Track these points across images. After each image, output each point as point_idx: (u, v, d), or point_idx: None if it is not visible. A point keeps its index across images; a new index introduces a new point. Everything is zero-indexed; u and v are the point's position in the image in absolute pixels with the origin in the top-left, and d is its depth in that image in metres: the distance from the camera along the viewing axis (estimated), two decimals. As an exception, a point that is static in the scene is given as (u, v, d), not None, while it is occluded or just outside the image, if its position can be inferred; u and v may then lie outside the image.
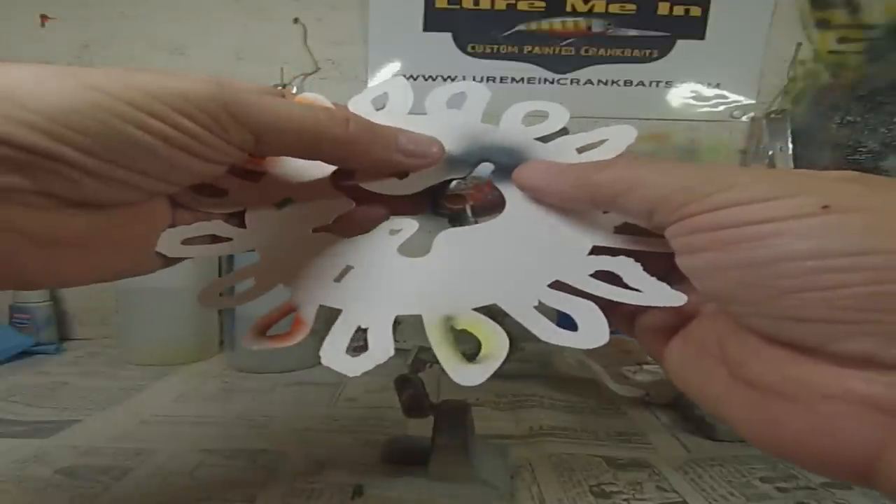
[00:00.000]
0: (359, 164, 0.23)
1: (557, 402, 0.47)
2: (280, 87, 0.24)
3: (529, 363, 0.54)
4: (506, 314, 0.19)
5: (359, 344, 0.19)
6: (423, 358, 0.30)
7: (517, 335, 0.19)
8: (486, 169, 0.25)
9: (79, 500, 0.29)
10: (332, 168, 0.25)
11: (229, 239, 0.24)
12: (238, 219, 0.24)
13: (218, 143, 0.18)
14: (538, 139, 0.26)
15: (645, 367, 0.46)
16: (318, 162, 0.22)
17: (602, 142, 0.25)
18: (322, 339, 0.20)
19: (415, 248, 0.23)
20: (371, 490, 0.29)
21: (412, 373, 0.30)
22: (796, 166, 0.66)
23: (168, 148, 0.17)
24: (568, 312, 0.19)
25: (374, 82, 0.68)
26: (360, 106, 0.27)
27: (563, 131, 0.26)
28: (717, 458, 0.36)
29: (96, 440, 0.37)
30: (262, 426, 0.40)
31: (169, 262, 0.23)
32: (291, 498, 0.30)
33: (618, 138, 0.24)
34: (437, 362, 0.18)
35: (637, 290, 0.19)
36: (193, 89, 0.17)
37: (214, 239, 0.24)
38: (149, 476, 0.32)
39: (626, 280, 0.19)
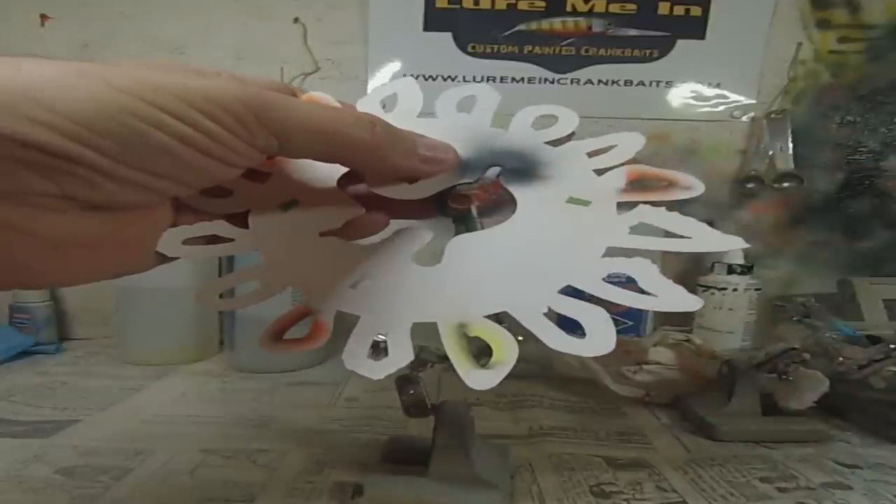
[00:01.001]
0: (377, 169, 0.23)
1: (557, 402, 0.47)
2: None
3: (529, 363, 0.54)
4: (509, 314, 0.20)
5: (378, 349, 0.20)
6: (424, 358, 0.30)
7: (517, 331, 0.20)
8: (495, 172, 0.24)
9: (79, 500, 0.29)
10: (341, 170, 0.24)
11: (231, 240, 0.23)
12: (241, 219, 0.24)
13: (241, 146, 0.18)
14: (548, 143, 0.26)
15: (645, 367, 0.46)
16: (328, 164, 0.22)
17: (611, 147, 0.25)
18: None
19: (424, 252, 0.23)
20: (371, 490, 0.29)
21: (413, 372, 0.30)
22: (797, 166, 0.66)
23: (191, 152, 0.17)
24: (577, 319, 0.19)
25: (374, 82, 0.68)
26: (368, 106, 0.27)
27: (571, 135, 0.26)
28: (717, 458, 0.36)
29: (96, 440, 0.37)
30: (262, 426, 0.40)
31: (166, 259, 0.22)
32: (291, 498, 0.30)
33: (627, 144, 0.24)
34: (439, 362, 0.19)
35: (652, 294, 0.19)
36: (219, 90, 0.17)
37: (216, 239, 0.23)
38: (149, 476, 0.32)
39: (640, 283, 0.19)
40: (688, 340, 0.48)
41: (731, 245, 0.20)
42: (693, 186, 0.23)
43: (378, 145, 0.21)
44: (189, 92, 0.17)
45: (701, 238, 0.21)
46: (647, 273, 0.19)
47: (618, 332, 0.18)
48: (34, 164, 0.15)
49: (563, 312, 0.19)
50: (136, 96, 0.16)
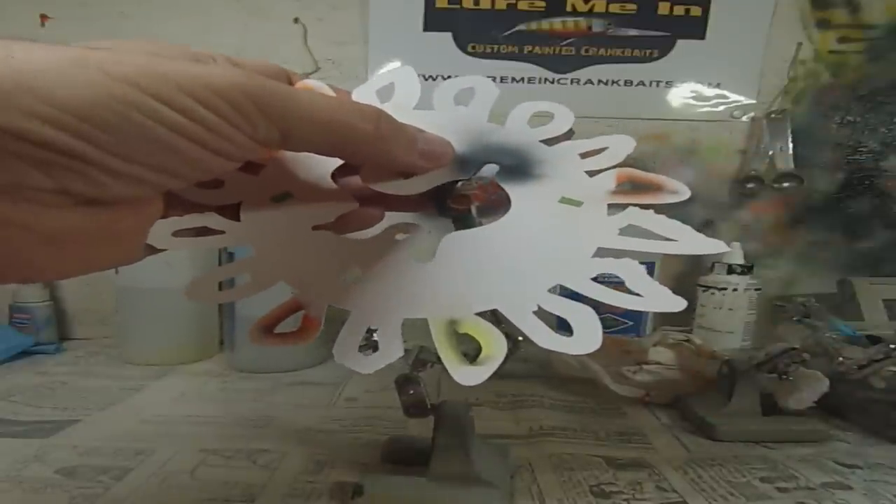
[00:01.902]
0: (377, 163, 0.22)
1: (557, 402, 0.47)
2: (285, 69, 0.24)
3: (529, 363, 0.54)
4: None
5: (368, 343, 0.20)
6: (424, 358, 0.30)
7: (514, 332, 0.20)
8: (490, 169, 0.25)
9: (79, 500, 0.29)
10: (336, 163, 0.24)
11: (222, 232, 0.23)
12: (232, 211, 0.23)
13: (241, 138, 0.17)
14: (543, 141, 0.26)
15: (645, 367, 0.46)
16: (323, 157, 0.22)
17: (603, 149, 0.25)
18: (321, 339, 0.20)
19: (418, 247, 0.23)
20: (371, 490, 0.29)
21: (413, 373, 0.30)
22: (797, 166, 0.66)
23: (190, 145, 0.17)
24: (566, 318, 0.19)
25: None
26: (365, 96, 0.27)
27: (569, 132, 0.26)
28: (717, 458, 0.36)
29: (96, 440, 0.37)
30: (262, 426, 0.40)
31: (155, 250, 0.22)
32: (291, 498, 0.30)
33: (617, 147, 0.25)
34: (439, 362, 0.19)
35: (638, 294, 0.19)
36: (220, 78, 0.16)
37: (206, 231, 0.23)
38: (149, 476, 0.32)
39: (628, 284, 0.20)
40: (688, 340, 0.48)
41: (714, 248, 0.21)
42: (679, 191, 0.23)
43: (382, 139, 0.20)
44: (190, 81, 0.16)
45: (686, 241, 0.21)
46: (634, 274, 0.20)
47: (618, 332, 0.18)
48: (29, 157, 0.14)
49: (552, 311, 0.20)
50: (135, 86, 0.15)
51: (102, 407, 0.44)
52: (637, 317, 0.60)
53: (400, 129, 0.21)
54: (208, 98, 0.16)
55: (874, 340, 0.45)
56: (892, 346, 0.41)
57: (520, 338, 0.19)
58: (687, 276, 0.67)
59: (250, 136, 0.18)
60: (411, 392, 0.29)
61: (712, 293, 0.61)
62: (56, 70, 0.14)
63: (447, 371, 0.18)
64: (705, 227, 0.68)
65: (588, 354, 0.48)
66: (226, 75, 0.17)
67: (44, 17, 0.66)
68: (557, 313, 0.19)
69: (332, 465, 0.34)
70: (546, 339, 0.19)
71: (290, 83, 0.25)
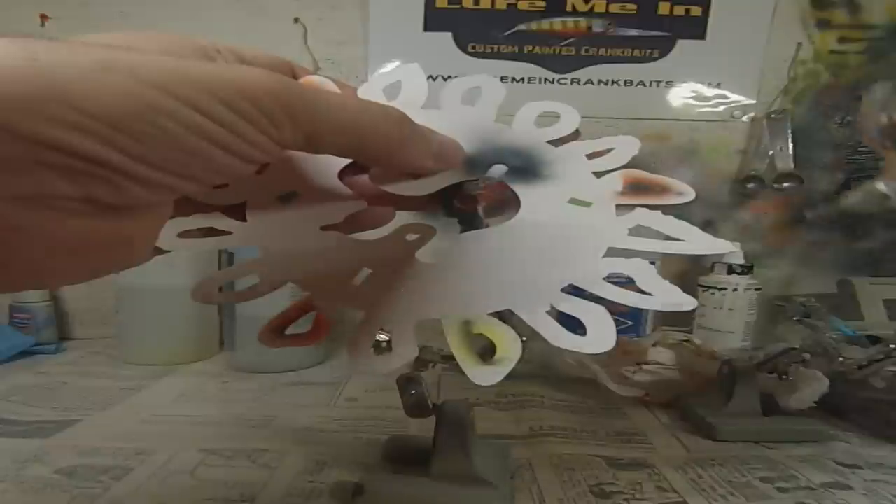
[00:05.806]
0: (393, 166, 0.22)
1: (557, 402, 0.47)
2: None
3: (530, 363, 0.54)
4: (513, 314, 0.20)
5: (379, 344, 0.20)
6: (426, 358, 0.30)
7: (522, 331, 0.20)
8: (499, 170, 0.25)
9: (79, 500, 0.29)
10: (343, 161, 0.24)
11: (228, 232, 0.23)
12: (237, 211, 0.23)
13: (267, 143, 0.17)
14: (549, 142, 0.26)
15: (645, 367, 0.46)
16: (330, 156, 0.21)
17: (609, 150, 0.25)
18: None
19: (427, 248, 0.23)
20: (371, 489, 0.29)
21: (415, 372, 0.30)
22: (797, 166, 0.66)
23: (217, 151, 0.16)
24: (579, 317, 0.19)
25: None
26: (370, 93, 0.27)
27: (576, 132, 0.26)
28: (717, 458, 0.36)
29: (96, 440, 0.37)
30: (262, 426, 0.40)
31: (160, 251, 0.21)
32: (291, 498, 0.30)
33: (623, 148, 0.25)
34: (440, 362, 0.19)
35: (648, 293, 0.19)
36: (251, 83, 0.16)
37: (212, 232, 0.23)
38: (149, 476, 0.32)
39: (638, 283, 0.20)
40: (688, 340, 0.48)
41: (721, 248, 0.21)
42: (684, 192, 0.23)
43: (404, 142, 0.20)
44: (220, 85, 0.16)
45: (694, 241, 0.21)
46: (645, 273, 0.20)
47: (618, 331, 0.18)
48: (55, 166, 0.14)
49: (565, 310, 0.19)
50: (166, 91, 0.15)
51: (102, 407, 0.44)
52: (637, 317, 0.60)
53: (418, 132, 0.21)
54: (238, 102, 0.16)
55: (874, 340, 0.45)
56: (892, 346, 0.41)
57: (523, 338, 0.19)
58: (687, 275, 0.67)
59: (276, 140, 0.17)
60: (413, 392, 0.29)
61: (712, 293, 0.61)
62: (84, 75, 0.14)
63: (448, 371, 0.18)
64: (705, 227, 0.68)
65: (588, 354, 0.48)
66: (255, 78, 0.16)
67: (44, 16, 0.66)
68: (571, 313, 0.19)
69: (333, 465, 0.34)
70: (560, 338, 0.19)
71: (295, 76, 0.25)
